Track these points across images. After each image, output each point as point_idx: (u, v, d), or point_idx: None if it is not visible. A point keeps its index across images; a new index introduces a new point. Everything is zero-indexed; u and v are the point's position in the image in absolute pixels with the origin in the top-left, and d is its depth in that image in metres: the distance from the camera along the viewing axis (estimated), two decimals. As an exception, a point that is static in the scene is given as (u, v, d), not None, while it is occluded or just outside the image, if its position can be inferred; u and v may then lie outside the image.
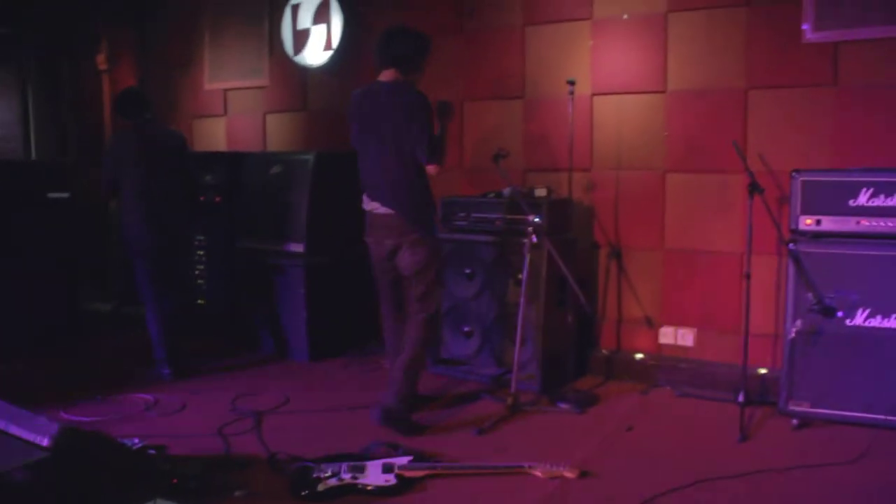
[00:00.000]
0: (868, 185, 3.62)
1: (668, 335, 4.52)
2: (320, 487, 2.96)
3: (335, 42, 5.55)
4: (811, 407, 3.67)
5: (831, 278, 3.65)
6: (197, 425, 3.72)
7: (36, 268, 5.19)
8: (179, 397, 4.15)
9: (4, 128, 6.58)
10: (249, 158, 5.46)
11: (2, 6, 6.07)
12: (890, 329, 3.56)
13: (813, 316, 3.64)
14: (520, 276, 4.05)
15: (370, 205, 3.88)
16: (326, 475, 3.02)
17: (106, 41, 6.60)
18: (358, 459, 3.17)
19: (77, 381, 4.45)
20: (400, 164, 3.74)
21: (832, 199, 3.69)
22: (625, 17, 4.53)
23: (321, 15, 5.62)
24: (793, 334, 3.70)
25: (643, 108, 4.52)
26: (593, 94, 4.65)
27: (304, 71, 5.83)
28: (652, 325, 4.57)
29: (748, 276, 3.72)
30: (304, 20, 5.69)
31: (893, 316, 3.56)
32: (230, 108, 6.36)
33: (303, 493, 2.95)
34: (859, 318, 3.61)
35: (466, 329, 4.57)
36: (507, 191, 4.43)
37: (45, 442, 2.58)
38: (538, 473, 3.10)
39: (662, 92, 4.46)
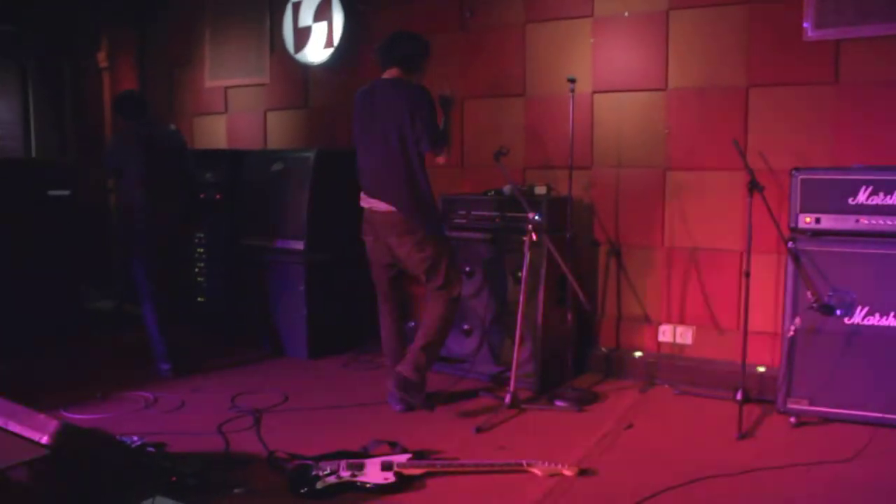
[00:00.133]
0: (867, 183, 3.62)
1: (667, 333, 4.52)
2: (319, 485, 2.97)
3: (336, 40, 5.55)
4: (809, 405, 3.68)
5: (830, 276, 3.65)
6: (196, 423, 3.73)
7: (37, 266, 5.19)
8: (179, 395, 4.16)
9: (5, 126, 6.59)
10: (250, 156, 5.46)
11: (2, 5, 6.08)
12: (888, 327, 3.56)
13: (812, 314, 3.64)
14: (519, 273, 4.05)
15: (369, 202, 3.89)
16: (325, 473, 3.02)
17: (106, 39, 6.61)
18: (357, 457, 3.17)
19: (77, 379, 4.46)
20: (402, 160, 3.77)
21: (832, 198, 3.69)
22: (626, 14, 4.53)
23: (322, 12, 5.62)
24: (791, 332, 3.70)
25: (644, 106, 4.52)
26: (594, 92, 4.65)
27: (305, 68, 5.83)
28: (651, 323, 4.57)
29: (748, 275, 3.72)
30: (306, 18, 5.70)
31: (892, 314, 3.56)
32: (231, 106, 6.37)
33: (301, 491, 2.95)
34: (858, 317, 3.61)
35: (466, 327, 4.58)
36: (507, 189, 4.44)
37: (44, 439, 2.59)
38: (537, 471, 3.10)
39: (663, 90, 4.46)
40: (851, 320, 3.62)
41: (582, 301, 3.95)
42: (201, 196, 5.47)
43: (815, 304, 3.60)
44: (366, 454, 3.24)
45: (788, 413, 3.71)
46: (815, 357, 3.68)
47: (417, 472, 3.10)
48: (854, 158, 3.87)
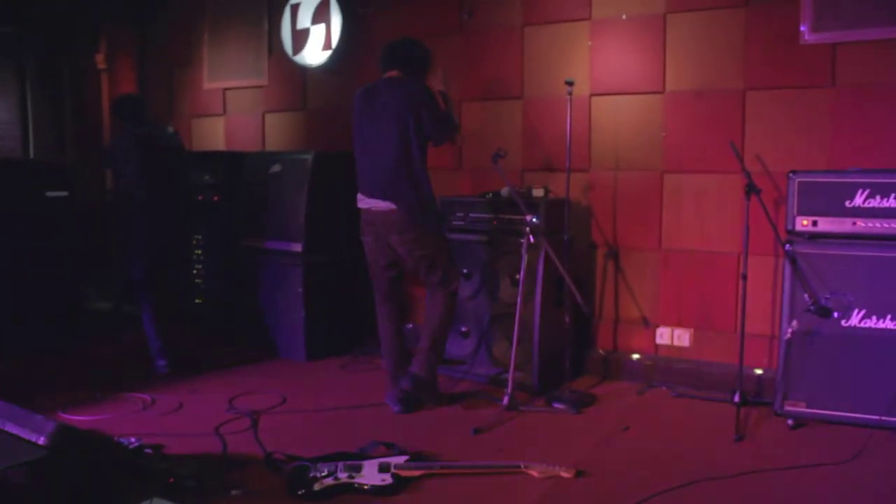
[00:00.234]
0: (864, 186, 3.63)
1: (664, 335, 4.53)
2: (317, 487, 2.97)
3: (334, 42, 5.56)
4: (807, 407, 3.68)
5: (827, 279, 3.66)
6: (194, 425, 3.73)
7: (35, 266, 5.19)
8: (177, 397, 4.16)
9: (3, 126, 6.59)
10: (248, 158, 5.47)
11: (2, 5, 6.08)
12: (885, 329, 3.57)
13: (809, 316, 3.64)
14: (517, 276, 4.06)
15: (368, 202, 3.90)
16: (323, 474, 3.03)
17: (105, 40, 6.61)
18: (354, 459, 3.18)
19: (75, 380, 4.46)
20: (403, 157, 3.81)
21: (829, 200, 3.69)
22: (624, 17, 4.54)
23: (320, 14, 5.62)
24: (788, 335, 3.71)
25: (641, 109, 4.53)
26: (592, 95, 4.66)
27: (304, 70, 5.84)
28: (649, 326, 4.58)
29: (745, 277, 3.74)
30: (304, 20, 5.70)
31: (889, 317, 3.56)
32: (229, 108, 6.37)
33: (299, 493, 2.95)
34: (855, 319, 3.62)
35: (463, 329, 4.58)
36: (504, 191, 4.45)
37: (41, 441, 2.59)
38: (534, 473, 3.11)
39: (661, 92, 4.47)
40: (848, 323, 3.63)
41: (579, 303, 3.96)
42: (199, 198, 5.48)
43: (812, 307, 3.61)
44: (364, 456, 3.24)
45: (786, 415, 3.71)
46: (813, 359, 3.68)
47: (415, 473, 3.10)
48: (851, 161, 3.89)
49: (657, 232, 4.53)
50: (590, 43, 4.64)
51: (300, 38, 5.73)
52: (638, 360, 4.54)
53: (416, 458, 3.23)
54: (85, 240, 5.60)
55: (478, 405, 4.05)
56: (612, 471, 3.21)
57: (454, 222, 4.57)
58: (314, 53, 5.67)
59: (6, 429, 2.69)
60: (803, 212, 3.74)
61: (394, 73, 3.94)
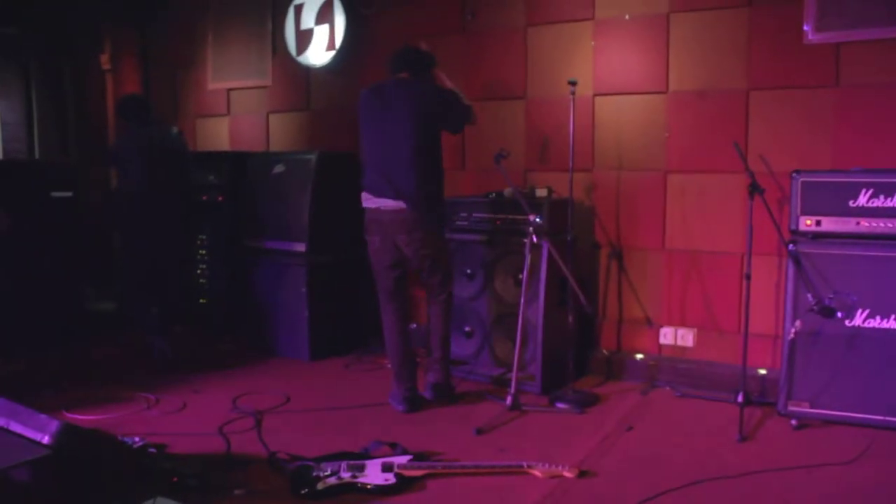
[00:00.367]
0: (868, 185, 3.62)
1: (668, 335, 4.52)
2: (320, 486, 2.97)
3: (338, 42, 5.57)
4: (810, 407, 3.68)
5: (831, 279, 3.66)
6: (197, 424, 3.74)
7: (39, 266, 5.20)
8: (180, 396, 4.17)
9: (9, 128, 6.61)
10: (252, 158, 5.48)
11: (6, 6, 6.10)
12: (889, 330, 3.57)
13: (812, 316, 3.64)
14: (520, 276, 4.06)
15: (376, 202, 3.91)
16: (326, 474, 3.03)
17: (109, 41, 6.62)
18: (357, 458, 3.18)
19: (79, 380, 4.47)
20: (417, 156, 3.84)
21: (832, 200, 3.69)
22: (627, 17, 4.53)
23: (324, 15, 5.63)
24: (792, 335, 3.70)
25: (645, 109, 4.52)
26: (595, 95, 4.65)
27: (307, 71, 5.85)
28: (652, 326, 4.58)
29: (748, 277, 3.73)
30: (308, 20, 5.71)
31: (892, 317, 3.56)
32: (233, 108, 6.38)
33: (302, 492, 2.96)
34: (858, 319, 3.61)
35: (467, 329, 4.58)
36: (507, 191, 4.45)
37: (45, 440, 2.60)
38: (537, 473, 3.11)
39: (664, 92, 4.46)
40: (852, 323, 3.63)
41: (582, 303, 3.96)
42: (204, 198, 5.51)
43: (815, 307, 3.61)
44: (367, 455, 3.24)
45: (789, 415, 3.71)
46: (816, 359, 3.68)
47: (418, 473, 3.11)
48: (855, 161, 3.88)
49: (660, 232, 4.52)
50: (593, 43, 4.64)
51: (304, 38, 5.74)
52: (641, 360, 4.54)
53: (419, 457, 3.23)
54: (88, 240, 5.62)
55: (481, 405, 4.06)
56: (615, 471, 3.21)
57: (458, 222, 4.57)
58: (318, 54, 5.68)
59: (10, 428, 2.70)
60: (807, 211, 3.74)
61: (403, 74, 3.98)
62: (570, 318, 4.23)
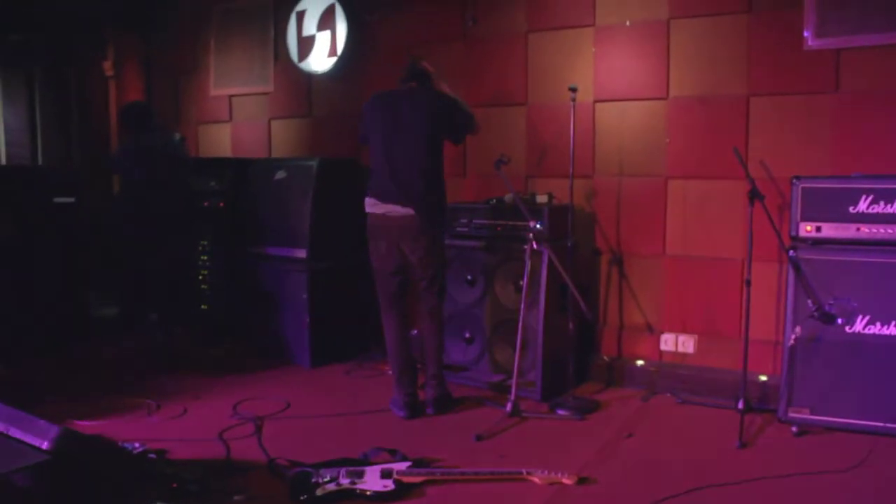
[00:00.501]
0: (868, 191, 3.62)
1: (669, 342, 4.52)
2: (319, 492, 2.97)
3: (340, 48, 5.59)
4: (811, 414, 3.67)
5: (831, 285, 3.65)
6: (198, 430, 3.74)
7: (41, 271, 5.22)
8: (181, 402, 4.17)
9: (12, 133, 6.65)
10: (254, 164, 5.49)
11: (10, 13, 6.13)
12: (890, 336, 3.56)
13: (813, 323, 3.64)
14: (521, 282, 4.06)
15: (383, 207, 3.92)
16: (325, 480, 3.03)
17: (112, 48, 6.66)
18: (357, 465, 3.18)
19: (80, 385, 4.47)
20: (428, 162, 3.91)
21: (832, 206, 3.69)
22: (627, 24, 4.54)
23: (326, 21, 5.66)
24: (792, 341, 3.69)
25: (645, 115, 4.53)
26: (596, 101, 4.66)
27: (309, 77, 5.87)
28: (653, 332, 4.57)
29: (748, 283, 3.72)
30: (309, 27, 5.73)
31: (893, 323, 3.55)
32: (235, 114, 6.40)
33: (301, 498, 2.96)
34: (859, 325, 3.61)
35: (467, 335, 4.58)
36: (508, 197, 4.46)
37: (45, 445, 2.61)
38: (536, 480, 3.10)
39: (664, 98, 4.47)
40: (852, 329, 3.62)
41: (583, 310, 3.96)
42: (205, 204, 5.54)
43: (815, 313, 3.60)
44: (366, 462, 3.24)
45: (790, 422, 3.70)
46: (817, 366, 3.68)
47: (417, 480, 3.10)
48: (855, 167, 3.87)
49: (661, 238, 4.52)
50: (594, 49, 4.65)
51: (306, 44, 5.76)
52: (642, 366, 4.53)
53: (419, 464, 3.23)
54: (90, 245, 5.64)
55: (481, 411, 4.06)
56: (614, 478, 3.20)
57: (458, 228, 4.58)
58: (320, 60, 5.70)
59: (10, 433, 2.70)
60: (807, 217, 3.74)
61: (412, 84, 4.04)
62: (571, 325, 4.23)
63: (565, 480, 3.09)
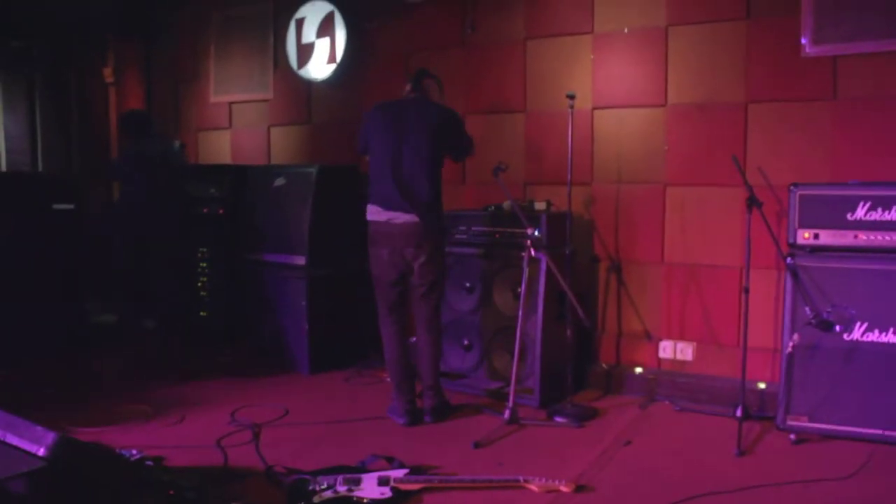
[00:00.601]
0: (866, 198, 3.62)
1: (667, 349, 4.52)
2: (316, 500, 2.96)
3: (339, 56, 5.61)
4: (809, 422, 3.66)
5: (829, 292, 3.65)
6: (195, 437, 3.73)
7: (40, 278, 5.23)
8: (178, 409, 4.16)
9: (13, 140, 6.66)
10: (253, 171, 5.50)
11: (11, 19, 6.16)
12: (888, 343, 3.55)
13: (811, 330, 3.63)
14: (519, 289, 4.06)
15: (387, 214, 3.93)
16: (322, 487, 3.02)
17: (113, 55, 6.69)
18: (354, 472, 3.18)
19: (77, 392, 4.47)
20: (432, 171, 3.95)
21: (830, 213, 3.69)
22: (626, 31, 4.56)
23: (325, 29, 5.67)
24: (790, 348, 3.69)
25: (643, 122, 4.54)
26: (594, 108, 4.67)
27: (309, 84, 5.88)
28: (651, 339, 4.57)
29: (747, 290, 3.72)
30: (309, 34, 5.75)
31: (891, 330, 3.55)
32: (235, 121, 6.42)
33: (298, 505, 2.96)
34: (857, 333, 3.60)
35: (466, 342, 4.58)
36: (506, 204, 4.46)
37: (41, 452, 2.60)
38: (534, 487, 3.10)
39: (663, 106, 4.48)
40: (851, 336, 3.62)
41: (580, 317, 3.95)
42: (204, 211, 5.55)
43: (813, 320, 3.59)
44: (363, 469, 3.24)
45: (788, 430, 3.69)
46: (815, 373, 3.67)
47: (414, 487, 3.10)
48: (853, 174, 3.88)
49: (660, 245, 4.52)
50: (592, 56, 4.66)
51: (305, 52, 5.78)
52: (640, 373, 4.53)
53: (416, 471, 3.22)
54: (89, 252, 5.64)
55: (479, 419, 4.05)
56: (612, 485, 3.19)
57: (457, 236, 4.58)
58: (319, 67, 5.72)
59: (6, 440, 2.70)
60: (805, 225, 3.74)
61: (416, 93, 4.08)
62: (569, 332, 4.23)
63: (563, 488, 3.08)
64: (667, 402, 4.30)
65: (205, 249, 5.62)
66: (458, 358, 4.60)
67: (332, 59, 5.64)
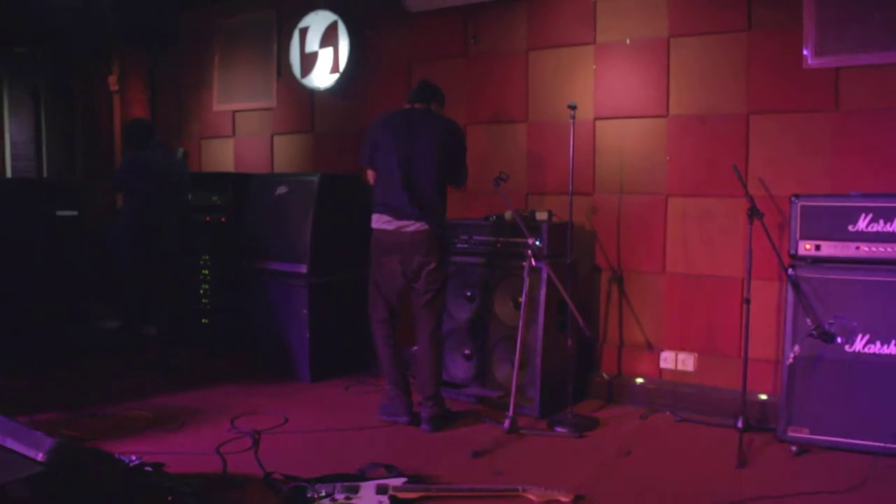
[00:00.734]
0: (867, 210, 3.62)
1: (669, 360, 4.51)
2: (314, 507, 2.96)
3: (342, 65, 5.63)
4: (810, 433, 3.64)
5: (831, 304, 3.64)
6: (195, 443, 3.73)
7: (43, 284, 5.24)
8: (178, 415, 4.16)
9: (18, 146, 6.70)
10: (255, 179, 5.51)
11: (17, 27, 6.20)
12: (889, 355, 3.54)
13: (812, 341, 3.62)
14: (519, 299, 4.06)
15: (396, 223, 3.95)
16: (320, 495, 3.01)
17: (118, 63, 6.72)
18: (353, 480, 3.17)
19: (78, 397, 4.47)
20: (439, 180, 4.00)
21: (832, 225, 3.69)
22: (628, 42, 4.57)
23: (329, 38, 5.70)
24: (791, 360, 3.68)
25: (645, 133, 4.55)
26: (596, 119, 4.68)
27: (312, 93, 5.91)
28: (653, 350, 4.56)
29: (748, 302, 3.72)
30: (312, 43, 5.78)
31: (893, 342, 3.54)
32: (238, 130, 6.44)
33: (296, 513, 2.95)
34: (859, 344, 3.59)
35: (466, 351, 4.58)
36: (508, 214, 4.46)
37: (39, 457, 2.60)
38: (532, 497, 3.08)
39: (664, 116, 4.49)
40: (852, 348, 3.61)
41: (581, 327, 3.95)
42: (206, 219, 5.59)
43: (815, 332, 3.58)
44: (362, 477, 3.23)
45: (789, 441, 3.67)
46: (816, 385, 3.66)
47: (413, 496, 3.08)
48: (854, 185, 3.88)
49: (661, 255, 4.52)
50: (594, 67, 4.67)
51: (308, 61, 5.81)
52: (641, 384, 4.52)
53: (415, 480, 3.21)
54: (93, 258, 5.66)
55: (479, 428, 4.04)
56: (611, 496, 3.18)
57: (458, 245, 4.59)
58: (322, 76, 5.74)
59: (6, 444, 2.70)
60: (806, 236, 3.74)
61: (420, 105, 4.11)
62: (570, 342, 4.22)
63: (562, 498, 3.07)
64: (668, 413, 4.29)
65: (207, 257, 5.64)
66: (458, 367, 4.59)
67: (335, 68, 5.66)
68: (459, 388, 4.54)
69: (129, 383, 4.81)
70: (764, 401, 4.09)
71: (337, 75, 5.65)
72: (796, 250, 3.76)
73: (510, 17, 4.96)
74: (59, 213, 5.39)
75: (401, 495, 3.06)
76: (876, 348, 3.57)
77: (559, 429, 3.99)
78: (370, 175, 4.12)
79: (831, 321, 3.63)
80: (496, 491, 3.16)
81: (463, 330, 4.56)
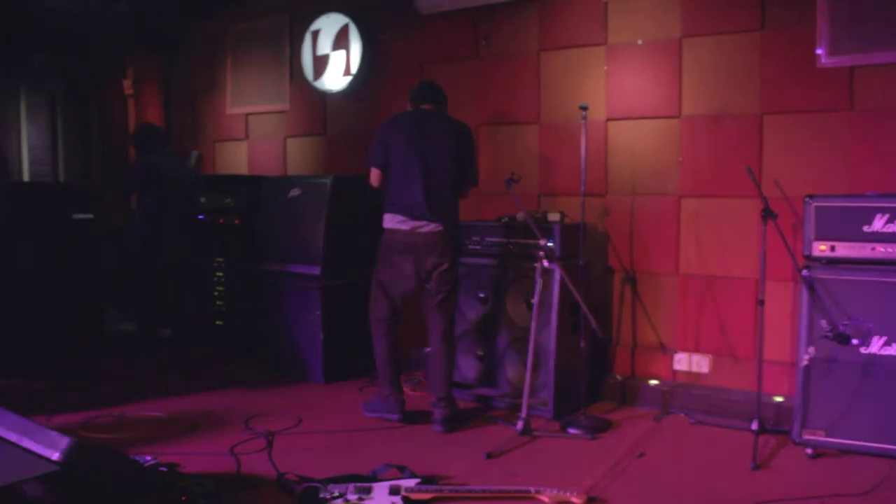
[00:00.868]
0: (883, 210, 3.59)
1: (682, 361, 4.48)
2: (326, 508, 2.97)
3: (354, 68, 5.65)
4: (826, 436, 3.61)
5: (846, 305, 3.61)
6: (209, 444, 3.75)
7: (60, 287, 5.28)
8: (193, 416, 4.19)
9: (35, 151, 6.77)
10: (268, 182, 5.53)
11: (33, 35, 6.27)
12: (906, 357, 3.51)
13: (827, 343, 3.59)
14: (532, 300, 4.06)
15: (411, 224, 3.97)
16: (333, 496, 3.02)
17: (132, 67, 6.79)
18: (365, 481, 3.18)
19: (93, 398, 4.51)
20: (449, 183, 4.03)
21: (846, 225, 3.66)
22: (639, 42, 4.56)
23: (341, 41, 5.73)
24: (806, 361, 3.65)
25: (658, 133, 4.53)
26: (608, 120, 4.67)
27: (324, 96, 5.93)
28: (666, 351, 4.54)
29: (762, 303, 3.70)
30: (324, 46, 5.80)
31: (909, 344, 3.51)
32: (251, 133, 6.48)
33: (309, 514, 2.96)
34: (875, 346, 3.56)
35: (479, 353, 4.57)
36: (520, 215, 4.46)
37: (55, 456, 2.62)
38: (545, 498, 3.08)
39: (677, 117, 4.47)
40: (868, 350, 3.57)
41: (594, 328, 3.94)
42: (220, 221, 5.64)
43: (830, 333, 3.55)
44: (375, 478, 3.24)
45: (804, 444, 3.64)
46: (832, 387, 3.62)
47: (425, 497, 3.09)
48: (869, 185, 3.85)
49: (674, 257, 4.50)
50: (606, 68, 4.66)
51: (321, 64, 5.83)
52: (655, 385, 4.50)
53: (427, 481, 3.21)
54: (108, 261, 5.71)
55: (492, 429, 4.04)
56: (624, 497, 3.17)
57: (470, 246, 4.59)
58: (334, 79, 5.77)
59: (22, 444, 2.73)
60: (821, 237, 3.71)
61: (430, 105, 4.13)
62: (583, 343, 4.21)
63: (575, 500, 3.06)
64: (682, 415, 4.27)
65: (221, 259, 5.67)
66: (471, 367, 4.59)
67: (347, 71, 5.69)
68: (472, 388, 4.54)
69: (143, 384, 4.85)
70: (779, 403, 4.06)
71: (349, 78, 5.68)
72: (811, 251, 3.73)
73: (521, 19, 4.96)
74: (76, 216, 5.44)
75: (413, 496, 3.06)
76: (892, 350, 3.53)
77: (572, 430, 3.98)
78: (374, 175, 4.11)
79: (846, 322, 3.59)
80: (509, 492, 3.16)
81: (475, 331, 4.56)
